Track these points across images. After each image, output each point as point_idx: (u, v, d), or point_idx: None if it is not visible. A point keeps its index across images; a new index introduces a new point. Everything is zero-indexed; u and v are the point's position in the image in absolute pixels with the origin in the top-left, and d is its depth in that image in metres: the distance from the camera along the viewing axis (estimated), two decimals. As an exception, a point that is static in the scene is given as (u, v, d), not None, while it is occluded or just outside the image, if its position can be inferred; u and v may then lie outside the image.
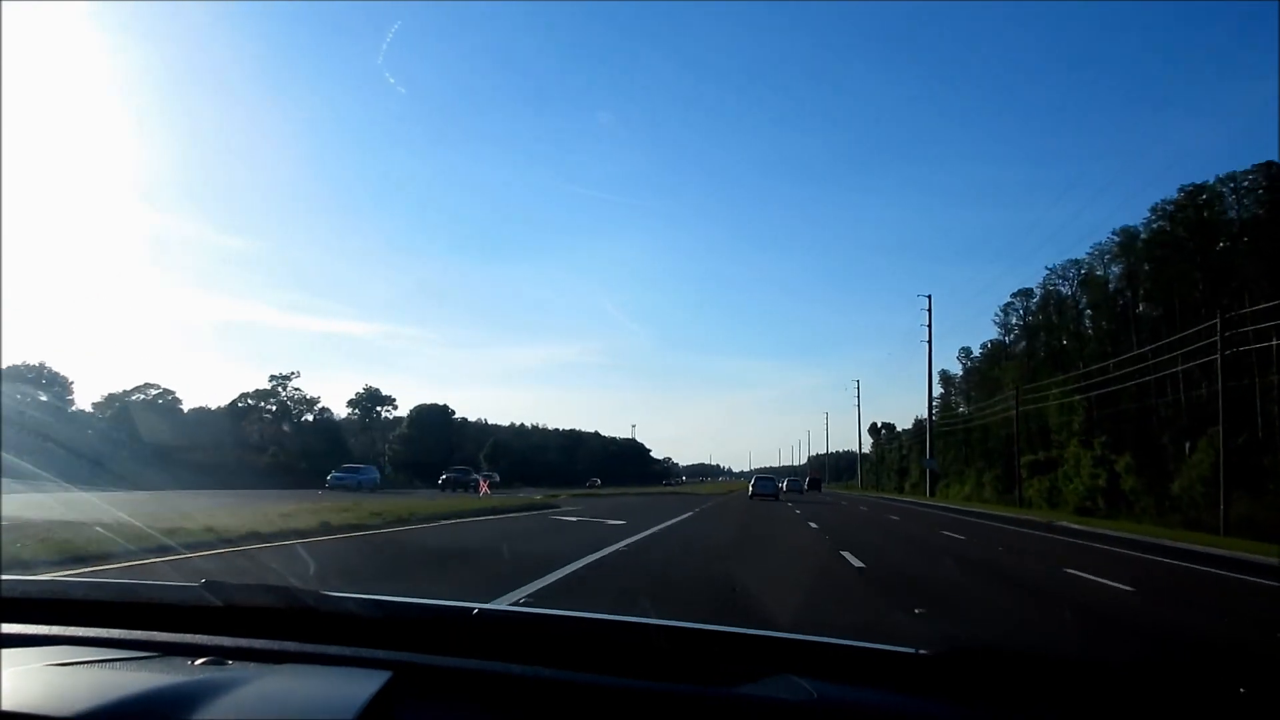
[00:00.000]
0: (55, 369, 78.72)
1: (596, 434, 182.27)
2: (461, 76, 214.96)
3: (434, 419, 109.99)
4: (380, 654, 1.38)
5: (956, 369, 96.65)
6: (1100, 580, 12.10)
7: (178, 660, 1.37)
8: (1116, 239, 60.48)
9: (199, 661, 1.35)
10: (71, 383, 79.34)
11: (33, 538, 8.96)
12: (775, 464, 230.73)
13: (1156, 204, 54.30)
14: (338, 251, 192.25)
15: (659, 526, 18.10)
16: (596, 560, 10.63)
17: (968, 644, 1.41)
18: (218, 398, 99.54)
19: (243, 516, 13.37)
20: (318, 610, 1.53)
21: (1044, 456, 65.80)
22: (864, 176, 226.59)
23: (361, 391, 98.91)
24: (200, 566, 8.37)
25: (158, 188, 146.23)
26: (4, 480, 14.88)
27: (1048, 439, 66.48)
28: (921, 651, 1.35)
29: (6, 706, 1.10)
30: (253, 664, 1.36)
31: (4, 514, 10.69)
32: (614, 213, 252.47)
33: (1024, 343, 74.11)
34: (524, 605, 5.00)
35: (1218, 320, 35.93)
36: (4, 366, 69.71)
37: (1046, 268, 68.44)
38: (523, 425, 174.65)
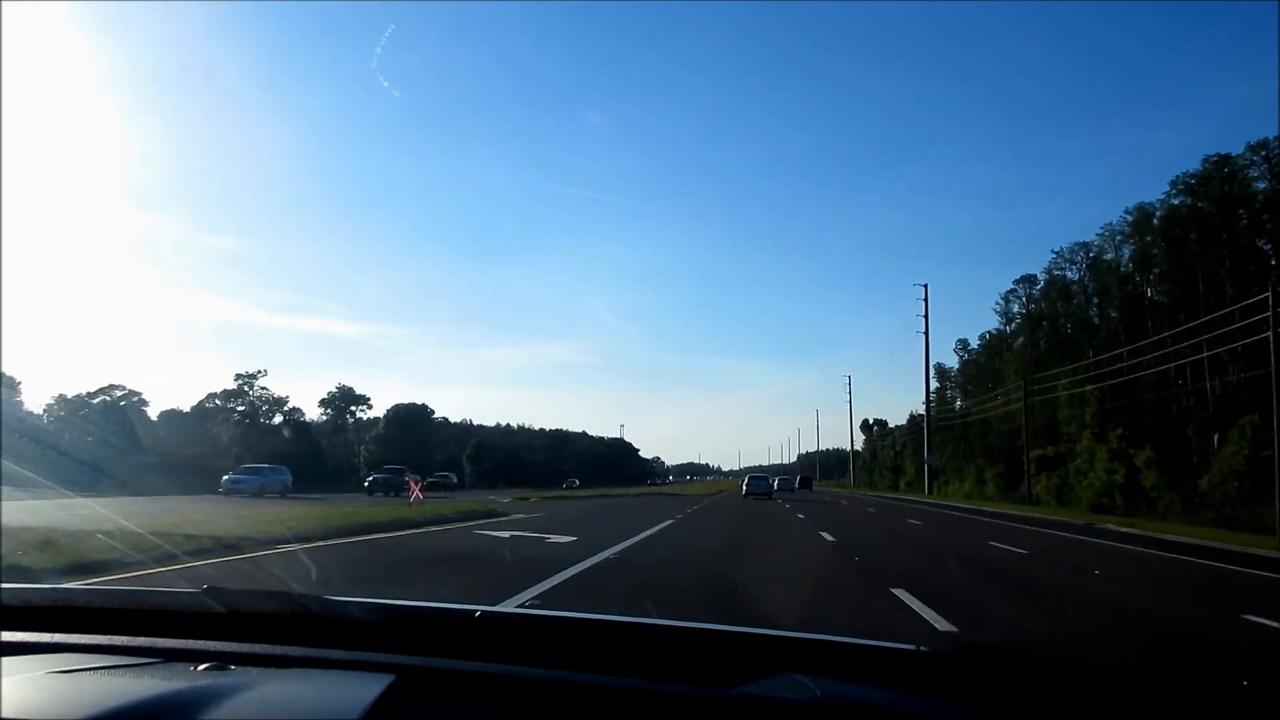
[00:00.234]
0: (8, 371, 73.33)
1: (584, 434, 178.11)
2: (453, 77, 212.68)
3: (412, 419, 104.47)
4: (383, 657, 1.36)
5: (952, 363, 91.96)
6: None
7: (180, 666, 1.36)
8: (1129, 217, 55.74)
9: (202, 667, 1.34)
10: (19, 383, 73.92)
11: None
12: (765, 463, 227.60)
13: (1177, 177, 49.60)
14: (327, 251, 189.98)
15: (622, 545, 13.20)
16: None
17: (971, 642, 1.27)
18: (197, 399, 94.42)
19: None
20: (320, 615, 1.50)
21: (1052, 451, 61.05)
22: (855, 176, 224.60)
23: (335, 391, 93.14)
24: None
25: (144, 188, 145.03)
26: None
27: (1055, 433, 61.76)
28: (925, 649, 1.36)
29: (7, 714, 1.10)
30: (255, 669, 1.35)
31: None
32: (605, 212, 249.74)
33: (1027, 332, 69.26)
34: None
35: (1269, 294, 30.94)
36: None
37: (1053, 251, 63.70)
38: (509, 426, 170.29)
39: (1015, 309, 73.08)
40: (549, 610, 1.84)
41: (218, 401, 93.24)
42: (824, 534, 17.11)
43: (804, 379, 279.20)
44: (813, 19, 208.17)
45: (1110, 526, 26.67)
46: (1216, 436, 46.51)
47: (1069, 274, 63.49)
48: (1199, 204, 47.73)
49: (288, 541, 11.55)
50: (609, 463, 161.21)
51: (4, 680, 1.20)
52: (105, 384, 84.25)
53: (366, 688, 1.21)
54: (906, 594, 8.36)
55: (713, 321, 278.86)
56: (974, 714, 1.20)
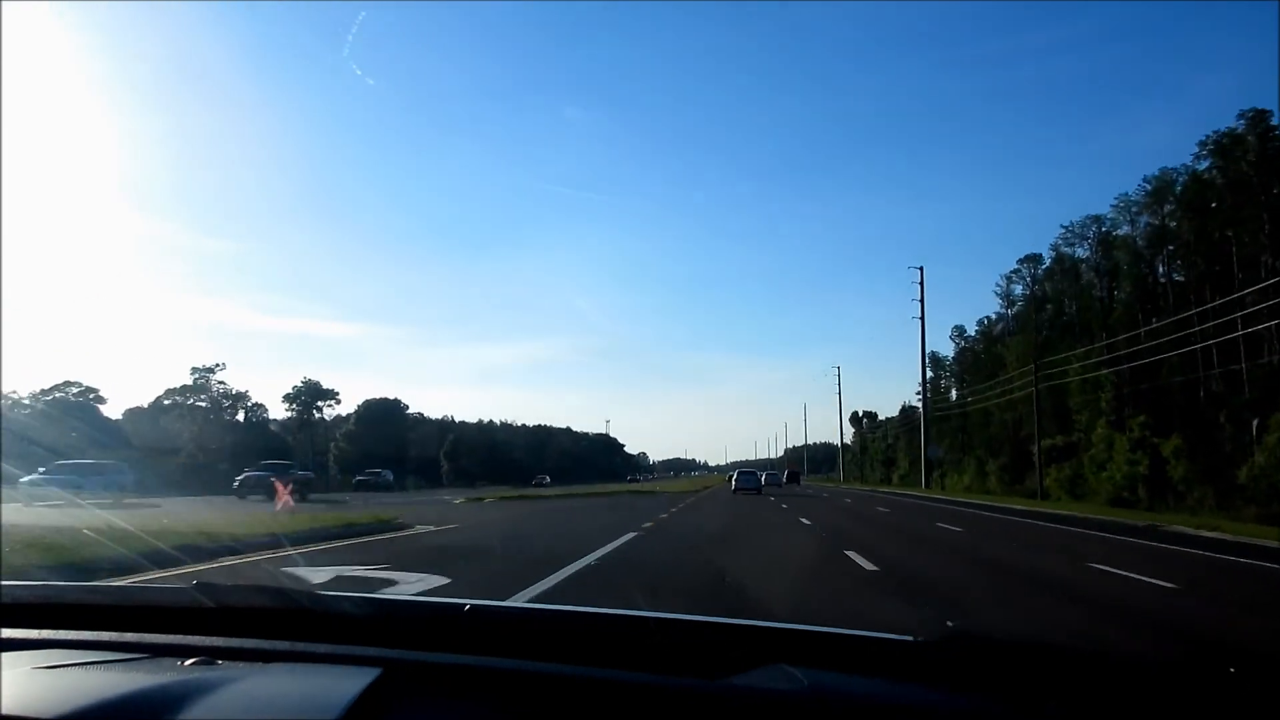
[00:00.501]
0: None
1: (568, 429, 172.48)
2: (433, 75, 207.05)
3: (385, 415, 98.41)
4: (372, 651, 1.34)
5: (946, 352, 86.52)
6: None
7: (168, 661, 1.35)
8: (1147, 186, 50.34)
9: (189, 662, 1.33)
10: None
11: None
12: (752, 457, 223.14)
13: (1206, 137, 44.29)
14: (306, 251, 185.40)
15: (528, 591, 7.35)
16: None
17: (960, 631, 1.21)
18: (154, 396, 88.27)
19: None
20: (310, 610, 1.49)
21: (1062, 441, 55.81)
22: (839, 170, 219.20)
23: (300, 385, 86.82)
24: None
25: (129, 189, 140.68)
26: None
27: (1065, 422, 56.52)
28: (914, 639, 1.33)
29: None
30: (243, 663, 1.33)
31: None
32: (587, 208, 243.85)
33: (1032, 314, 63.82)
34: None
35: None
36: None
37: (1061, 226, 58.26)
38: (491, 422, 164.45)
39: (1018, 291, 67.70)
40: (539, 604, 1.29)
41: (179, 398, 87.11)
42: (854, 555, 11.53)
43: (791, 373, 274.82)
44: (792, 14, 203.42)
45: (1178, 528, 21.10)
46: (1255, 423, 41.18)
47: (1078, 251, 58.11)
48: (1235, 165, 42.32)
49: None
50: (592, 459, 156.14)
51: None
52: (60, 380, 77.99)
53: (352, 681, 1.19)
54: None
55: (698, 316, 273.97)
56: (965, 702, 1.19)
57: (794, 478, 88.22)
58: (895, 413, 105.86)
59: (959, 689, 1.21)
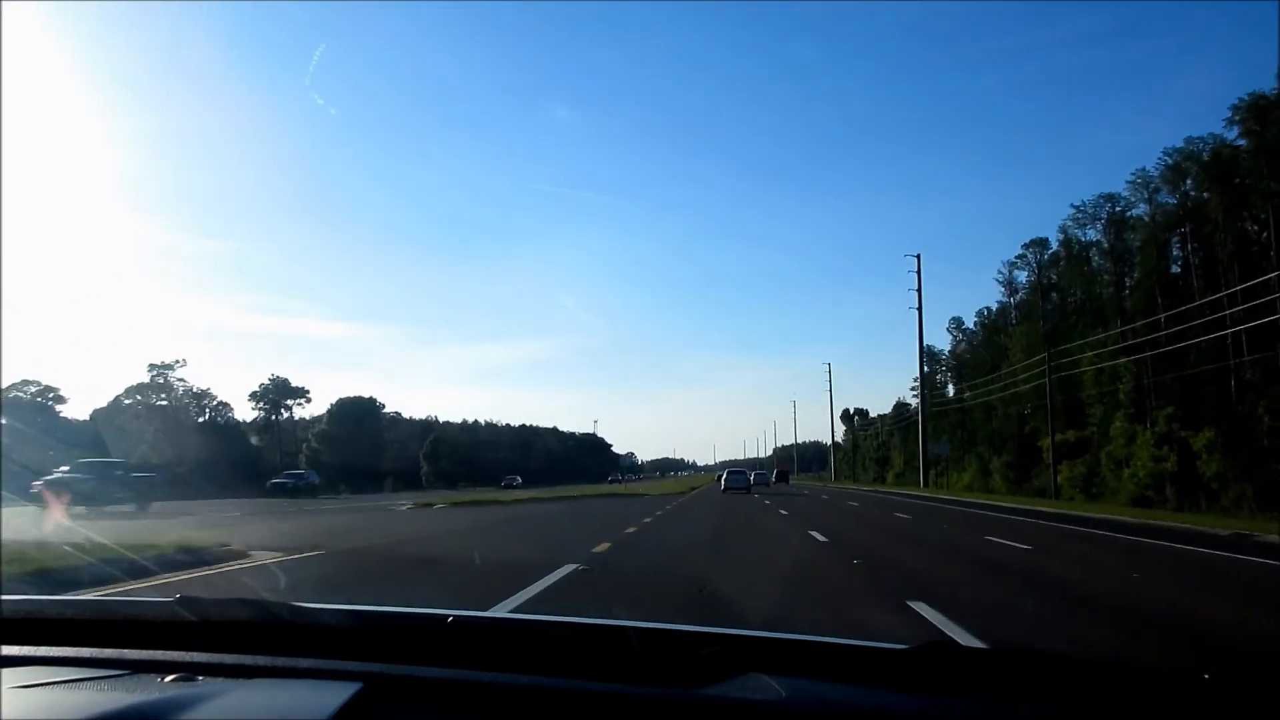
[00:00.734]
0: None
1: (554, 429, 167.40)
2: (420, 74, 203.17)
3: (360, 414, 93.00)
4: (353, 665, 1.32)
5: (943, 346, 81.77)
6: None
7: (148, 678, 1.32)
8: (1168, 160, 45.69)
9: (169, 678, 1.30)
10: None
11: None
12: (741, 456, 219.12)
13: (1240, 100, 39.71)
14: (294, 252, 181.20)
15: None
16: None
17: (937, 640, 1.22)
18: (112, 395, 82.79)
19: None
20: (292, 622, 1.46)
21: (1074, 436, 51.19)
22: (829, 170, 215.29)
23: (267, 383, 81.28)
24: None
25: (119, 188, 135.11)
26: None
27: (1078, 415, 51.89)
28: (891, 647, 1.32)
29: None
30: (223, 679, 1.31)
31: None
32: (575, 208, 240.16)
33: (1039, 302, 59.13)
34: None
35: None
36: None
37: (1072, 205, 53.59)
38: (476, 422, 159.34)
39: (1022, 278, 63.02)
40: (520, 614, 1.40)
41: (139, 397, 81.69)
42: (916, 606, 6.52)
43: (780, 372, 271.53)
44: (777, 16, 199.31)
45: (1275, 538, 16.27)
46: (1300, 413, 36.64)
47: (1090, 234, 53.45)
48: (1271, 131, 37.68)
49: None
50: (579, 460, 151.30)
51: None
52: (18, 379, 72.51)
53: (332, 696, 1.18)
54: None
55: (687, 316, 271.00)
56: (940, 708, 1.18)
57: (783, 477, 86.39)
58: (889, 409, 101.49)
59: (937, 696, 1.19)
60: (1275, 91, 38.39)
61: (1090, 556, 12.67)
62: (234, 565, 9.73)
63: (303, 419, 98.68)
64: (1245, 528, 20.42)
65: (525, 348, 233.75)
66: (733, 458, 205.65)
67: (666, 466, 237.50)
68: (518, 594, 7.18)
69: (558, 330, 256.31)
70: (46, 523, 13.95)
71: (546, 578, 8.30)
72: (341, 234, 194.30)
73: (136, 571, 8.15)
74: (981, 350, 71.86)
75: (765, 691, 1.18)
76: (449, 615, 1.41)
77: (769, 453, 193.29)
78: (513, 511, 23.79)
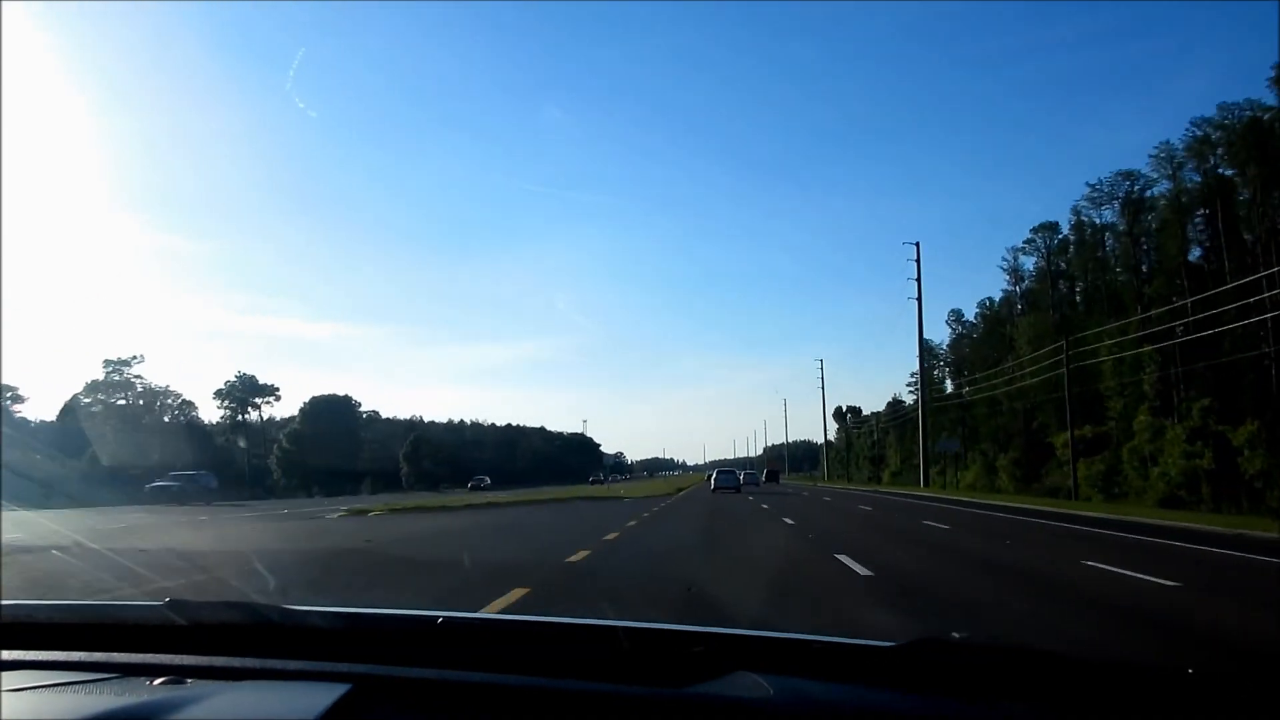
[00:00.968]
0: None
1: (542, 429, 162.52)
2: (413, 74, 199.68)
3: (333, 413, 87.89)
4: (342, 667, 1.31)
5: (940, 340, 77.35)
6: None
7: (136, 681, 1.31)
8: (1196, 132, 41.39)
9: (158, 681, 1.29)
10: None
11: None
12: (731, 456, 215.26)
13: (1282, 58, 35.37)
14: (286, 252, 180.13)
15: None
16: None
17: (927, 636, 1.31)
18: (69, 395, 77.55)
19: None
20: (282, 624, 1.45)
21: (1091, 432, 46.74)
22: (822, 170, 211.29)
23: (233, 380, 76.05)
24: None
25: (106, 189, 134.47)
26: None
27: (1094, 409, 47.46)
28: (879, 644, 1.31)
29: None
30: (212, 682, 1.30)
31: None
32: (567, 209, 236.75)
33: (1048, 288, 54.81)
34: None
35: None
36: None
37: (1087, 184, 49.25)
38: (462, 422, 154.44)
39: (1029, 265, 58.67)
40: (510, 615, 1.55)
41: (100, 395, 76.50)
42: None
43: (771, 372, 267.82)
44: (775, 16, 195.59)
45: None
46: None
47: (1107, 215, 49.14)
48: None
49: None
50: (566, 459, 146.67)
51: None
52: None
53: (320, 698, 1.17)
54: None
55: (678, 316, 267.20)
56: (930, 707, 1.17)
57: (773, 476, 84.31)
58: (881, 409, 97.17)
59: (927, 694, 1.18)
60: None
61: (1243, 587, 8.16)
62: None
63: (275, 419, 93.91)
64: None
65: (519, 348, 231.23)
66: (723, 457, 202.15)
67: (656, 466, 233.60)
68: None
69: (551, 330, 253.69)
70: None
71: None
72: (335, 234, 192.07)
73: None
74: (983, 343, 67.59)
75: (753, 690, 1.17)
76: (438, 616, 1.40)
77: (759, 452, 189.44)
78: (454, 521, 19.18)
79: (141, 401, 69.61)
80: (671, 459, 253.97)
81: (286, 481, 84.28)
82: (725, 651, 1.31)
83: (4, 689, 1.24)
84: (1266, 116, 38.13)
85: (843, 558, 10.52)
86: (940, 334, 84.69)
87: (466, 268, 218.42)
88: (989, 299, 67.41)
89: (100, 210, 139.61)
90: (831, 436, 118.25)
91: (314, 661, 1.32)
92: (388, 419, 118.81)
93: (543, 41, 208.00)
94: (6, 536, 12.24)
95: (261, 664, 1.33)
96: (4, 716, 1.13)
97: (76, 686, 1.28)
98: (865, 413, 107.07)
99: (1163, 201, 43.91)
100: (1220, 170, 41.65)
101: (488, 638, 1.44)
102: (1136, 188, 47.15)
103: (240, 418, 77.76)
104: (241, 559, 10.73)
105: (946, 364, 79.15)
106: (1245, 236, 40.78)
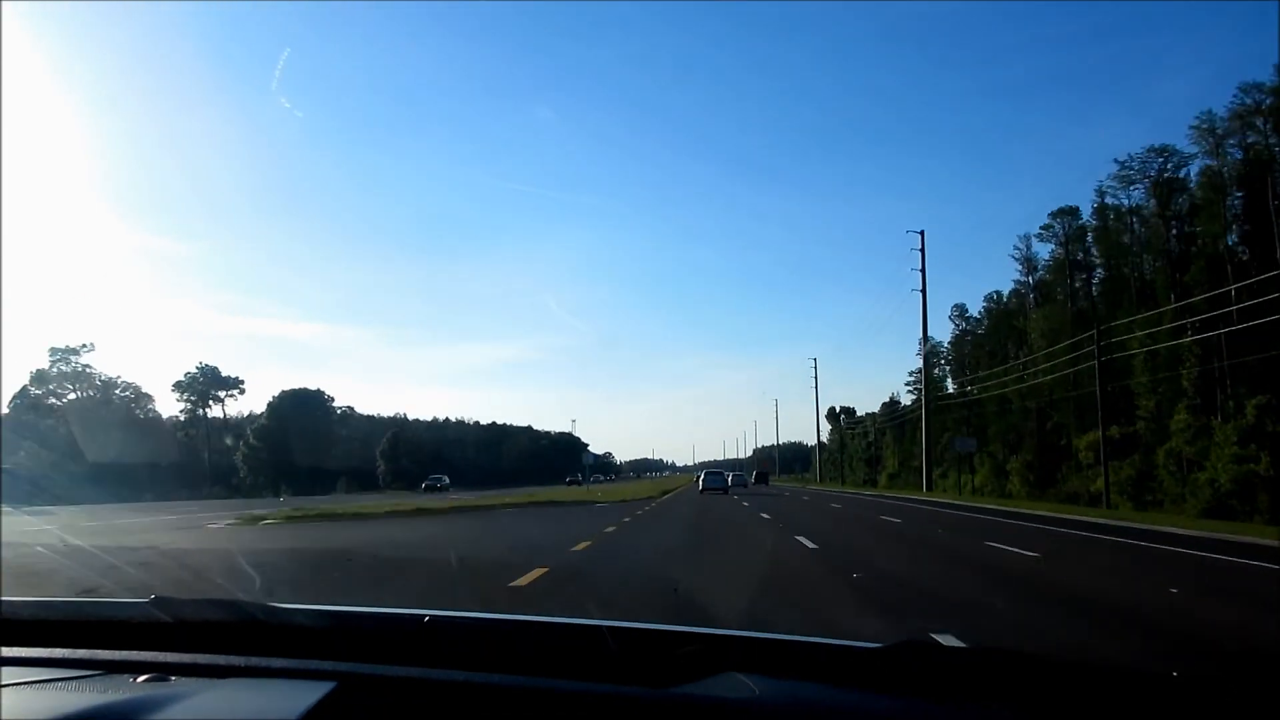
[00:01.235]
0: None
1: (528, 428, 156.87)
2: (401, 73, 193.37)
3: (303, 408, 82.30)
4: (327, 665, 1.29)
5: (940, 338, 72.38)
6: None
7: (120, 678, 1.29)
8: (1244, 99, 36.51)
9: (142, 678, 1.27)
10: None
11: None
12: (721, 457, 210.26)
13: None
14: (272, 252, 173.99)
15: None
16: None
17: (914, 639, 1.30)
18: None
19: None
20: (267, 622, 1.43)
21: (1118, 432, 41.71)
22: (813, 170, 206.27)
23: (194, 371, 70.36)
24: None
25: (94, 189, 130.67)
26: None
27: (1121, 407, 42.45)
28: (865, 646, 1.30)
29: None
30: (196, 679, 1.28)
31: None
32: (556, 209, 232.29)
33: (1067, 276, 49.84)
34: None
35: None
36: None
37: (1116, 161, 44.31)
38: (446, 420, 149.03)
39: (1044, 254, 53.75)
40: (497, 614, 1.69)
41: (52, 387, 70.82)
42: None
43: (761, 372, 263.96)
44: (762, 16, 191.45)
45: None
46: None
47: (1135, 195, 44.22)
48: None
49: None
50: (553, 459, 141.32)
51: None
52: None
53: (303, 696, 1.16)
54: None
55: (668, 316, 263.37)
56: (913, 708, 1.16)
57: (763, 478, 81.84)
58: (875, 410, 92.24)
59: (913, 695, 1.17)
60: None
61: None
62: None
63: (251, 414, 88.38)
64: None
65: (508, 349, 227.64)
66: (712, 459, 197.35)
67: (644, 467, 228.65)
68: None
69: (540, 330, 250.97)
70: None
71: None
72: (321, 234, 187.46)
73: None
74: (990, 339, 62.75)
75: (740, 690, 1.15)
76: (424, 614, 1.38)
77: (749, 454, 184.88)
78: (351, 536, 13.95)
79: (91, 395, 63.98)
80: (661, 460, 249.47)
81: (254, 480, 78.81)
82: (712, 652, 1.28)
83: None
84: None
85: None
86: (941, 332, 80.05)
87: (456, 268, 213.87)
88: (996, 292, 62.60)
89: (84, 208, 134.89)
90: (824, 438, 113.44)
91: (299, 660, 1.29)
92: (367, 416, 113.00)
93: (532, 42, 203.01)
94: None
95: (246, 662, 1.30)
96: None
97: (59, 684, 1.25)
98: (859, 414, 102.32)
99: (1202, 178, 38.92)
100: (1270, 142, 36.77)
101: (474, 637, 1.41)
102: (1170, 165, 42.19)
103: (201, 411, 72.02)
104: None
105: (948, 362, 74.33)
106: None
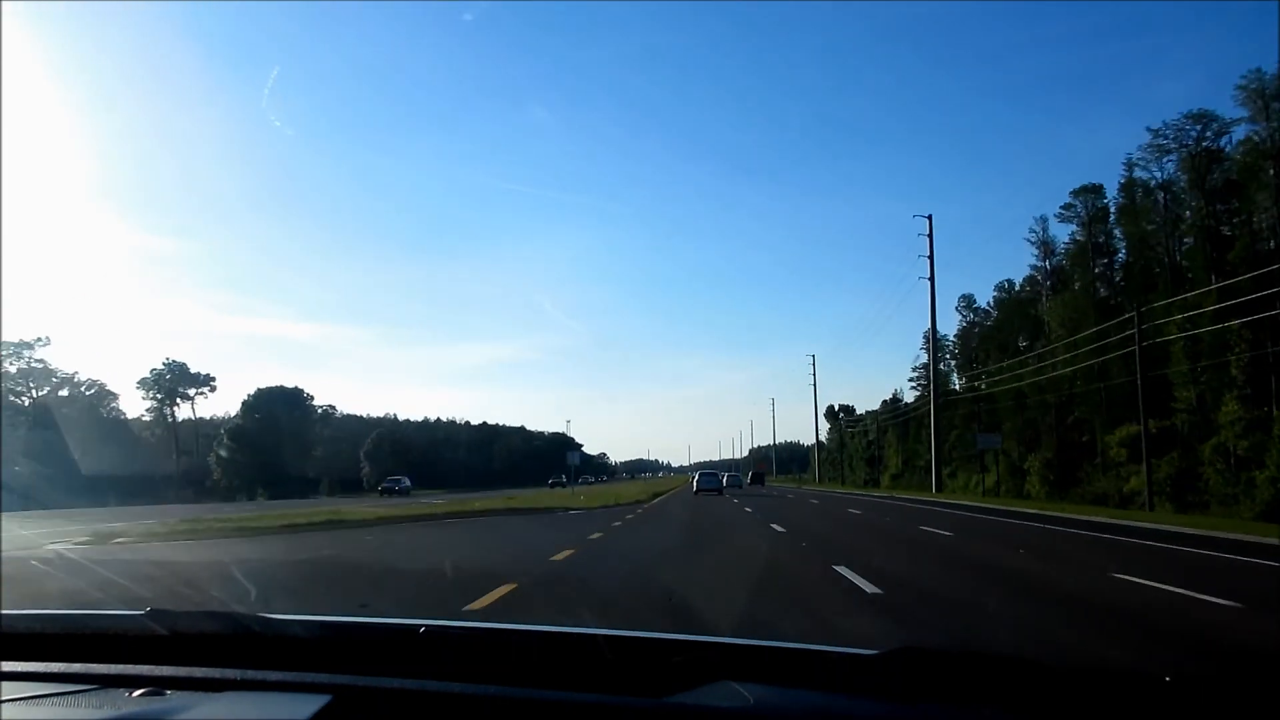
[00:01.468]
0: None
1: (521, 428, 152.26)
2: (398, 74, 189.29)
3: (281, 407, 77.76)
4: (323, 678, 1.27)
5: (945, 331, 67.94)
6: None
7: (115, 693, 1.27)
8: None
9: (137, 693, 1.25)
10: None
11: None
12: (716, 458, 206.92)
13: None
14: (269, 252, 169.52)
15: None
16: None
17: (909, 645, 1.25)
18: None
19: None
20: (263, 634, 1.41)
21: (1154, 427, 37.29)
22: (810, 170, 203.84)
23: (160, 368, 65.76)
24: None
25: (88, 188, 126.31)
26: None
27: (1156, 399, 38.03)
28: (860, 653, 1.28)
29: None
30: (191, 693, 1.26)
31: None
32: (552, 209, 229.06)
33: (1090, 258, 45.56)
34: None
35: None
36: None
37: (1148, 129, 40.02)
38: (438, 420, 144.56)
39: (1063, 236, 49.45)
40: (493, 623, 1.65)
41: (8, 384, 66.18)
42: None
43: (757, 372, 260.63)
44: (758, 16, 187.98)
45: None
46: None
47: (1170, 167, 39.93)
48: None
49: None
50: (547, 459, 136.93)
51: None
52: None
53: (300, 709, 1.15)
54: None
55: (663, 316, 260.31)
56: (907, 714, 1.16)
57: (759, 479, 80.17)
58: (875, 408, 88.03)
59: (907, 702, 1.16)
60: None
61: None
62: None
63: (228, 415, 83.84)
64: None
65: (503, 349, 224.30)
66: (708, 459, 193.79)
67: (639, 468, 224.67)
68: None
69: (536, 330, 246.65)
70: None
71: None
72: (317, 234, 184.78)
73: None
74: (1001, 330, 58.48)
75: (734, 699, 1.14)
76: (420, 625, 1.37)
77: (745, 454, 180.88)
78: (267, 549, 9.61)
79: (45, 392, 59.43)
80: (656, 460, 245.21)
81: (229, 483, 74.25)
82: (707, 660, 1.27)
83: None
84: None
85: None
86: (945, 328, 75.77)
87: (452, 268, 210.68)
88: (1008, 281, 58.34)
89: (81, 208, 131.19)
90: (823, 437, 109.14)
91: (294, 672, 1.28)
92: (352, 416, 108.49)
93: (529, 42, 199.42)
94: None
95: (242, 674, 1.28)
96: None
97: (54, 699, 1.23)
98: (859, 412, 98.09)
99: (1257, 139, 34.60)
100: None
101: (469, 647, 1.40)
102: (1208, 134, 37.90)
103: (167, 410, 67.42)
104: None
105: (954, 356, 70.05)
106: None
